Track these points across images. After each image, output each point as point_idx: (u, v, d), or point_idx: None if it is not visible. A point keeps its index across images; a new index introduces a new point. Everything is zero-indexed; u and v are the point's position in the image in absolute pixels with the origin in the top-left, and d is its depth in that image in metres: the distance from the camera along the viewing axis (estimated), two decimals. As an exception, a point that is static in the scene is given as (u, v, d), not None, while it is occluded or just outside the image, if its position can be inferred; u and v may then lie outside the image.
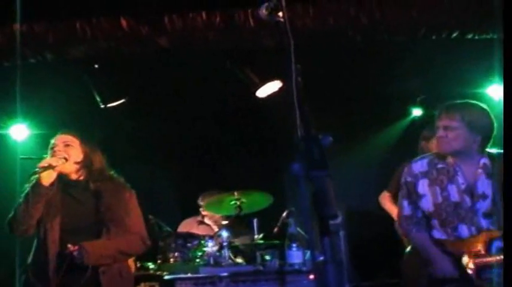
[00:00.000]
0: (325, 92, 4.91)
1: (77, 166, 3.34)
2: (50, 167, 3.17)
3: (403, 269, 4.05)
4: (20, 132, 5.37)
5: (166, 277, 4.01)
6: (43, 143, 3.57)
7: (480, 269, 2.83)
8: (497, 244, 2.84)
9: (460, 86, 5.23)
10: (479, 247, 2.86)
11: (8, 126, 5.43)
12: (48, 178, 3.19)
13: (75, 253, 3.07)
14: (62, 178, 3.30)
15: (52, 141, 3.37)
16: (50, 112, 4.80)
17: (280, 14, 1.79)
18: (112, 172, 3.46)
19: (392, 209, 4.58)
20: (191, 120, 5.85)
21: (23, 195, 3.19)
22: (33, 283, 3.15)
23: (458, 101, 3.02)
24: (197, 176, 5.98)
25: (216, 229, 5.11)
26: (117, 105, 4.57)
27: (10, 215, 3.20)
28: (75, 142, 3.36)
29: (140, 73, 4.75)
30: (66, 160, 3.25)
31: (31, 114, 4.89)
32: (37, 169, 3.15)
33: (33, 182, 3.18)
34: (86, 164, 3.34)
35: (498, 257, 2.81)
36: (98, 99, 4.53)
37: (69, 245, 3.09)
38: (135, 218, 3.37)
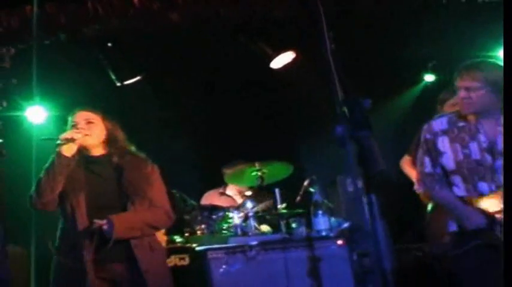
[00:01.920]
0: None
1: (100, 142, 3.33)
2: (72, 140, 3.16)
3: (427, 228, 4.12)
4: (36, 114, 5.41)
5: (197, 249, 4.14)
6: (59, 125, 3.59)
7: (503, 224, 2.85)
8: None
9: (471, 50, 5.26)
10: (500, 204, 2.88)
11: (24, 108, 5.50)
12: (69, 150, 3.17)
13: (104, 227, 3.08)
14: (83, 154, 3.29)
15: (72, 118, 3.34)
16: (65, 93, 4.86)
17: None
18: (133, 148, 3.45)
19: (411, 173, 4.65)
20: (208, 94, 5.92)
21: (44, 168, 3.18)
22: (63, 264, 3.16)
23: (477, 60, 3.03)
24: (217, 148, 6.08)
25: (238, 199, 5.20)
26: (133, 82, 4.61)
27: (32, 189, 3.20)
28: (97, 119, 3.35)
29: (154, 49, 4.80)
30: (88, 135, 3.24)
31: (47, 96, 4.91)
32: (59, 141, 3.16)
33: (55, 154, 3.17)
34: (109, 140, 3.34)
35: None
36: (114, 77, 4.58)
37: (95, 220, 3.11)
38: (158, 191, 3.37)
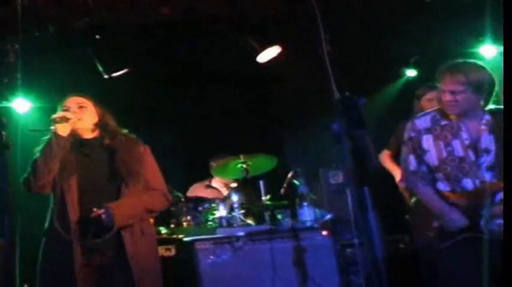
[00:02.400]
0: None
1: (92, 126, 3.30)
2: (64, 119, 3.14)
3: (411, 221, 4.26)
4: (22, 105, 5.47)
5: (185, 239, 4.25)
6: (46, 115, 3.48)
7: (486, 218, 2.94)
8: (500, 195, 2.98)
9: (452, 47, 5.43)
10: (484, 198, 2.97)
11: (10, 100, 5.54)
12: (64, 129, 3.15)
13: (103, 216, 3.02)
14: (75, 137, 3.26)
15: (64, 103, 3.31)
16: (51, 85, 4.90)
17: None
18: (124, 130, 3.43)
19: (392, 167, 4.76)
20: (194, 88, 6.01)
21: (39, 150, 3.14)
22: (52, 247, 3.11)
23: (459, 62, 3.08)
24: (202, 142, 6.18)
25: (224, 192, 5.31)
26: (120, 75, 4.67)
27: (26, 173, 3.13)
28: (88, 104, 3.32)
29: (142, 42, 4.87)
30: (79, 120, 3.23)
31: (33, 88, 4.94)
32: (52, 119, 3.13)
33: (51, 134, 3.14)
34: (101, 124, 3.32)
35: (501, 208, 2.92)
36: (101, 69, 4.62)
37: (94, 209, 3.04)
38: (153, 172, 3.33)
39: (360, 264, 4.62)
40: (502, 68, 2.70)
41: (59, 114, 3.17)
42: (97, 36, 4.26)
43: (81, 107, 3.29)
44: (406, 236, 4.92)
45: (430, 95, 4.38)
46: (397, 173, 4.62)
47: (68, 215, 3.07)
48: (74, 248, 3.02)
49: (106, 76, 4.58)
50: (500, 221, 2.96)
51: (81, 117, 3.25)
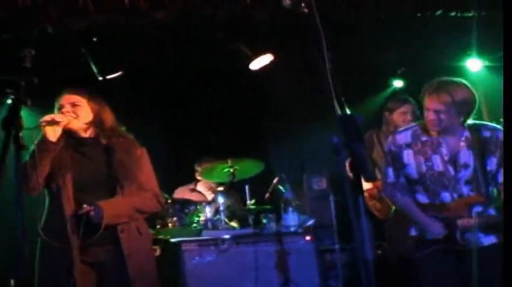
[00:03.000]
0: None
1: (85, 125, 3.27)
2: (54, 122, 3.11)
3: (389, 228, 4.46)
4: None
5: (172, 240, 4.39)
6: (36, 113, 3.42)
7: (463, 230, 3.14)
8: (477, 208, 3.16)
9: (440, 60, 5.68)
10: (461, 211, 3.15)
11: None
12: (53, 133, 3.13)
13: (91, 213, 3.04)
14: (71, 135, 3.24)
15: (58, 101, 3.28)
16: (44, 83, 5.00)
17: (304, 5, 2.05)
18: (123, 128, 3.41)
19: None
20: (182, 91, 6.14)
21: (29, 152, 3.05)
22: (49, 245, 3.09)
23: (445, 80, 3.22)
24: (187, 145, 6.31)
25: (208, 196, 5.45)
26: (114, 77, 4.79)
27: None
28: (82, 101, 3.28)
29: (137, 45, 4.99)
30: (74, 118, 3.20)
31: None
32: (40, 123, 3.10)
33: (39, 138, 3.11)
34: (96, 123, 3.28)
35: (477, 220, 3.12)
36: (95, 71, 4.74)
37: (84, 205, 3.06)
38: (148, 174, 3.33)
39: (339, 269, 4.79)
40: (504, 79, 2.80)
41: (46, 117, 3.13)
42: (94, 39, 4.36)
43: (74, 105, 3.25)
44: (386, 243, 5.09)
45: (404, 108, 4.60)
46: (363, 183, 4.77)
47: (64, 213, 3.09)
48: (71, 245, 3.04)
49: (100, 78, 4.68)
50: (478, 232, 3.15)
51: (75, 115, 3.22)
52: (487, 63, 6.17)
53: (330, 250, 5.05)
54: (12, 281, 4.71)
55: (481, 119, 3.37)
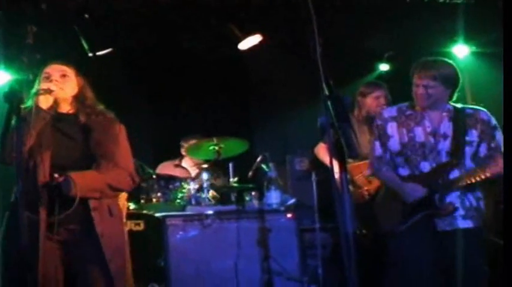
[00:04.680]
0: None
1: (71, 99, 3.25)
2: (48, 91, 3.10)
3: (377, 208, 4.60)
4: (1, 78, 5.62)
5: (156, 215, 4.55)
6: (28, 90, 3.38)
7: (442, 193, 3.40)
8: (454, 173, 3.42)
9: (426, 45, 5.85)
10: (438, 176, 3.41)
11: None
12: (46, 102, 3.12)
13: (62, 183, 2.99)
14: (48, 110, 3.16)
15: (46, 70, 3.23)
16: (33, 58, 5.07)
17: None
18: (101, 107, 3.35)
19: (326, 159, 4.86)
20: (171, 69, 6.25)
21: (15, 121, 2.87)
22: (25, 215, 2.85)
23: (433, 59, 3.56)
24: (173, 121, 6.44)
25: (192, 172, 5.59)
26: (104, 54, 4.88)
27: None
28: (71, 73, 3.26)
29: (128, 24, 5.08)
30: (60, 89, 3.17)
31: (12, 61, 5.08)
32: (36, 91, 3.08)
33: (29, 106, 3.04)
34: (79, 97, 3.26)
35: (456, 184, 3.39)
36: (86, 47, 4.82)
37: (55, 175, 3.01)
38: (124, 152, 3.30)
39: (319, 248, 4.97)
40: (503, 66, 2.89)
41: (43, 85, 3.12)
42: (86, 16, 4.41)
43: (63, 75, 3.23)
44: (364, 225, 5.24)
45: (377, 93, 4.77)
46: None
47: (38, 187, 3.04)
48: (40, 222, 2.99)
49: (90, 54, 4.75)
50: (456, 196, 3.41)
51: (62, 86, 3.20)
52: (473, 49, 6.37)
53: (310, 230, 5.22)
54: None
55: (465, 104, 3.63)
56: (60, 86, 3.18)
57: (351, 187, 4.69)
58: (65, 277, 3.11)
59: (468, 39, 6.18)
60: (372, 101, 4.73)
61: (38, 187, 3.01)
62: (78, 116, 3.23)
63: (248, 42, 5.14)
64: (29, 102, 3.09)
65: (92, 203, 3.08)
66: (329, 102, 1.88)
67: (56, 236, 3.05)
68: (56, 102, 3.21)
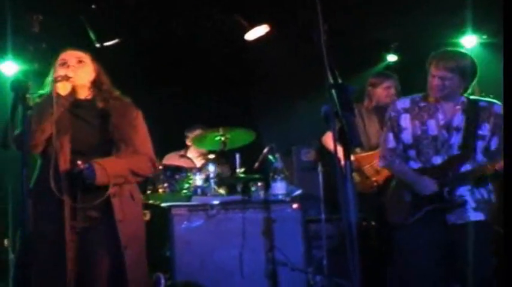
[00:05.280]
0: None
1: (89, 84, 3.27)
2: (66, 77, 3.11)
3: (388, 201, 4.60)
4: (9, 68, 5.67)
5: (162, 205, 4.57)
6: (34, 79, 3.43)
7: (451, 186, 3.40)
8: (465, 167, 3.43)
9: (434, 36, 5.84)
10: (449, 169, 3.41)
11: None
12: (64, 88, 3.14)
13: (85, 171, 3.01)
14: (66, 97, 3.19)
15: (62, 56, 3.24)
16: (41, 49, 5.10)
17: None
18: (118, 92, 3.37)
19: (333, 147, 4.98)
20: (176, 59, 6.27)
21: (35, 108, 2.90)
22: (40, 209, 3.02)
23: (451, 50, 3.58)
24: (180, 112, 6.46)
25: (198, 163, 5.64)
26: (111, 44, 4.90)
27: (17, 131, 2.90)
28: (87, 59, 3.28)
29: (133, 14, 5.10)
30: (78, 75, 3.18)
31: (22, 52, 5.12)
32: (54, 78, 3.10)
33: (46, 93, 3.11)
34: (96, 83, 3.28)
35: (466, 178, 3.40)
36: (93, 38, 4.84)
37: (78, 162, 3.03)
38: (143, 137, 3.33)
39: (324, 239, 4.98)
40: (503, 58, 2.99)
41: (60, 72, 3.13)
42: (93, 6, 4.42)
43: (80, 61, 3.24)
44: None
45: (387, 83, 4.78)
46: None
47: (59, 174, 3.06)
48: (63, 208, 3.02)
49: (97, 45, 4.76)
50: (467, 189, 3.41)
51: (79, 72, 3.20)
52: (482, 39, 6.35)
53: (315, 220, 5.23)
54: (6, 241, 4.92)
55: (473, 95, 3.63)
56: (77, 72, 3.18)
57: (359, 177, 4.72)
58: (77, 265, 3.10)
59: (477, 30, 6.16)
60: (382, 91, 4.75)
61: (60, 173, 3.04)
62: (95, 101, 3.25)
63: (255, 33, 5.14)
64: (46, 89, 3.16)
65: (112, 189, 3.09)
66: (333, 91, 1.89)
67: (76, 223, 3.08)
68: (73, 89, 3.22)
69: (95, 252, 3.09)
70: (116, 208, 3.10)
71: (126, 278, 3.07)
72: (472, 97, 3.55)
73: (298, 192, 4.88)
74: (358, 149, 4.78)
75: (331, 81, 1.95)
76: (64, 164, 3.07)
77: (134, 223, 3.21)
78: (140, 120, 3.36)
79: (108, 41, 4.88)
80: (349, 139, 1.84)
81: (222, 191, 4.98)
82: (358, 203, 4.86)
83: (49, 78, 3.19)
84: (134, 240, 3.17)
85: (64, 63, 3.20)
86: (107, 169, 3.06)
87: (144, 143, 3.32)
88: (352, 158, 4.65)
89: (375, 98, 4.80)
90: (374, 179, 4.58)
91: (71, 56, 3.25)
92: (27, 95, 2.30)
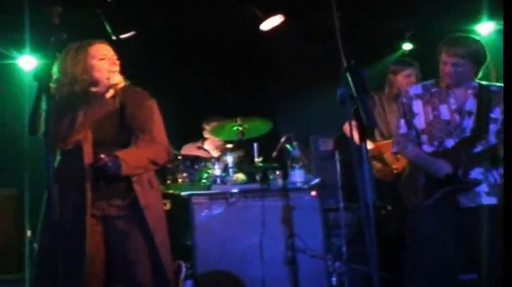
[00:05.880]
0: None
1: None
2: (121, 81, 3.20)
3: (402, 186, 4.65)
4: (26, 62, 5.81)
5: (182, 194, 4.66)
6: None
7: (465, 167, 3.45)
8: (478, 148, 3.47)
9: (449, 23, 5.84)
10: (462, 151, 3.45)
11: (16, 57, 5.87)
12: (109, 92, 3.22)
13: (109, 163, 3.06)
14: (87, 90, 3.23)
15: (101, 51, 3.26)
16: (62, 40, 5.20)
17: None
18: (128, 82, 3.38)
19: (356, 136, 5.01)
20: (193, 51, 6.34)
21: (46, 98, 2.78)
22: (61, 199, 2.93)
23: (460, 36, 3.59)
24: (197, 102, 6.54)
25: (214, 154, 5.72)
26: (128, 37, 4.99)
27: (55, 128, 3.02)
28: (113, 53, 3.32)
29: (149, 6, 5.17)
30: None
31: (43, 43, 5.22)
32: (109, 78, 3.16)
33: (95, 95, 3.17)
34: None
35: (480, 158, 3.45)
36: (110, 31, 4.93)
37: (101, 156, 3.07)
38: (159, 126, 3.37)
39: (343, 227, 5.03)
40: (503, 45, 2.98)
41: (116, 80, 3.20)
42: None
43: (116, 58, 3.30)
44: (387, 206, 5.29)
45: (408, 71, 4.80)
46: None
47: (83, 166, 3.12)
48: (86, 199, 3.08)
49: (114, 37, 4.85)
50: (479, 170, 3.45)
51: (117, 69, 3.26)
52: (498, 26, 6.33)
53: (334, 209, 5.27)
54: (28, 232, 5.04)
55: (490, 82, 3.65)
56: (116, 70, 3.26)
57: (379, 165, 4.76)
58: (106, 253, 3.19)
59: (492, 16, 6.14)
60: (403, 79, 4.77)
61: (84, 165, 3.11)
62: (107, 91, 3.25)
63: (270, 23, 5.20)
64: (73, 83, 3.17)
65: (133, 178, 3.18)
66: (347, 74, 1.95)
67: (98, 211, 3.16)
68: (94, 84, 3.25)
69: (127, 238, 3.17)
70: (139, 194, 3.18)
71: (159, 260, 3.17)
72: (483, 82, 3.58)
73: (316, 181, 4.93)
74: (378, 137, 4.83)
75: (345, 65, 2.01)
76: (87, 156, 3.13)
77: (156, 208, 3.29)
78: (155, 109, 3.40)
79: (124, 33, 4.96)
80: (364, 120, 1.90)
81: (240, 180, 5.06)
82: (378, 190, 4.95)
83: (78, 71, 3.19)
84: (159, 223, 3.27)
85: (106, 59, 3.24)
86: (130, 161, 3.12)
87: (160, 132, 3.37)
88: (373, 146, 4.72)
89: (396, 86, 4.83)
90: (394, 166, 4.62)
91: (109, 51, 3.29)
92: (51, 85, 2.38)
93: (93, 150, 3.15)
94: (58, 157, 3.23)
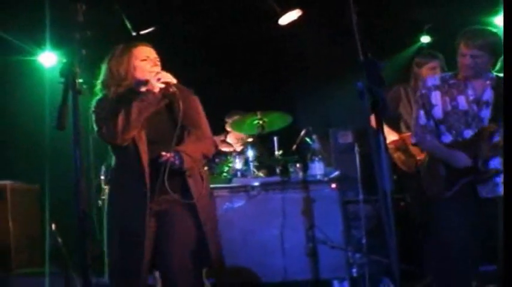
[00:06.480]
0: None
1: None
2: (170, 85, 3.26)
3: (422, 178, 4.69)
4: (47, 59, 5.94)
5: (204, 186, 4.74)
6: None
7: (484, 158, 3.46)
8: (496, 138, 3.47)
9: (467, 16, 5.83)
10: (481, 141, 3.47)
11: (37, 53, 5.99)
12: (160, 90, 3.27)
13: (172, 159, 3.15)
14: (132, 90, 3.29)
15: (144, 53, 3.32)
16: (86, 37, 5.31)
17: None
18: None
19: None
20: (213, 46, 6.41)
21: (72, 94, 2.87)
22: (121, 197, 3.23)
23: (478, 28, 3.61)
24: (220, 97, 6.62)
25: (237, 148, 5.78)
26: (146, 32, 5.08)
27: (111, 124, 3.16)
28: (155, 53, 3.40)
29: (168, 2, 5.25)
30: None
31: (62, 43, 5.31)
32: (160, 84, 3.22)
33: (146, 92, 3.22)
34: None
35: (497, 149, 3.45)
36: (129, 26, 5.02)
37: (162, 153, 3.14)
38: (206, 122, 3.47)
39: (362, 219, 5.08)
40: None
41: (166, 79, 3.26)
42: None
43: (156, 58, 3.37)
44: (407, 196, 5.33)
45: (433, 63, 4.80)
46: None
47: (142, 162, 3.20)
48: (147, 195, 3.16)
49: (134, 33, 4.94)
50: (499, 160, 3.46)
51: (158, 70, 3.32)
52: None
53: (353, 202, 5.31)
54: (53, 225, 5.14)
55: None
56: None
57: (404, 156, 4.80)
58: (160, 244, 3.28)
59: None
60: (427, 71, 4.77)
61: (143, 163, 3.19)
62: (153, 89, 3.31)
63: (288, 17, 5.25)
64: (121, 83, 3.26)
65: (187, 171, 3.26)
66: (365, 67, 2.01)
67: (156, 206, 3.25)
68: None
69: (178, 231, 3.25)
70: (192, 188, 3.27)
71: (208, 254, 3.25)
72: (500, 74, 3.59)
73: (336, 173, 4.99)
74: (404, 129, 4.86)
75: (362, 58, 2.07)
76: (144, 154, 3.21)
77: (206, 201, 3.38)
78: (200, 104, 3.50)
79: (144, 29, 5.04)
80: (381, 111, 1.96)
81: (261, 173, 5.13)
82: (401, 182, 4.99)
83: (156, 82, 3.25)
84: (209, 217, 3.36)
85: (150, 61, 3.31)
86: (190, 154, 3.23)
87: (207, 127, 3.48)
88: (398, 137, 4.76)
89: (421, 78, 4.84)
90: (418, 157, 4.64)
91: (153, 54, 3.36)
92: (77, 80, 2.46)
93: (149, 148, 3.23)
94: (113, 157, 3.35)
